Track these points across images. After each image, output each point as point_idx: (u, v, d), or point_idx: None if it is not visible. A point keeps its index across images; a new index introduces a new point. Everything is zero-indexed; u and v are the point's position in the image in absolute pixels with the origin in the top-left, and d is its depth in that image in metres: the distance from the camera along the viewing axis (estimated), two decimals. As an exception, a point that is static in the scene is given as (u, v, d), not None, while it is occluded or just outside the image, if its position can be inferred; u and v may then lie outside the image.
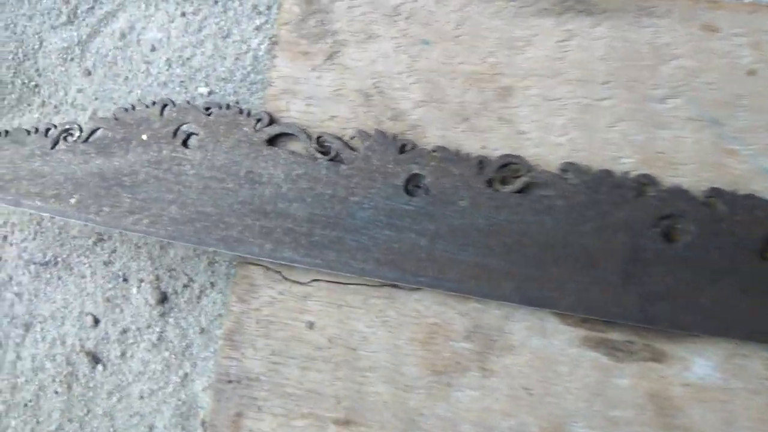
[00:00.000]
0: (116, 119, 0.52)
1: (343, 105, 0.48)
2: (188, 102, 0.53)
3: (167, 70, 0.63)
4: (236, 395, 0.49)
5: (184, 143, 0.49)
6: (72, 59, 0.66)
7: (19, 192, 0.53)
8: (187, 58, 0.62)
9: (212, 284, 0.59)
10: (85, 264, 0.62)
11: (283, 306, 0.48)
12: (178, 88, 0.61)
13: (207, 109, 0.50)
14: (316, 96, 0.49)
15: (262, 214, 0.46)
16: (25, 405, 0.62)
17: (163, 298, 0.59)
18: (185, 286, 0.59)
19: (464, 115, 0.46)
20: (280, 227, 0.46)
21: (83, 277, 0.62)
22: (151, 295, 0.60)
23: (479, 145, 0.46)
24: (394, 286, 0.46)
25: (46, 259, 0.63)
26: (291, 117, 0.49)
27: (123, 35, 0.65)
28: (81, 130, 0.54)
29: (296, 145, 0.47)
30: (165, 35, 0.64)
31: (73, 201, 0.52)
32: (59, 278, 0.63)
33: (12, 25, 0.68)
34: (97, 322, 0.61)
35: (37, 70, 0.67)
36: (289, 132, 0.47)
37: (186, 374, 0.59)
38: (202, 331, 0.58)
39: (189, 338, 0.59)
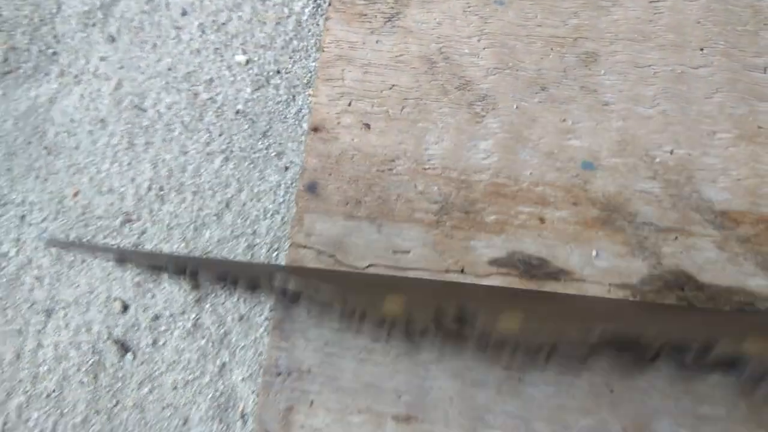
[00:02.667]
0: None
1: (404, 73, 0.44)
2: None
3: (200, 36, 0.57)
4: (286, 388, 0.45)
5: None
6: (94, 24, 0.61)
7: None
8: (222, 23, 0.57)
9: (252, 268, 0.55)
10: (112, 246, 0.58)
11: (337, 292, 0.44)
12: (212, 56, 0.57)
13: None
14: (374, 63, 0.44)
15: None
16: (48, 396, 0.58)
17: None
18: (223, 270, 0.55)
19: (542, 84, 0.42)
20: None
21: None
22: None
23: (558, 118, 0.42)
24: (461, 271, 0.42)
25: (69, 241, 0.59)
26: (346, 86, 0.44)
27: (151, -2, 0.60)
28: None
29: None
30: (197, -2, 0.59)
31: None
32: (83, 261, 0.58)
33: (28, -13, 0.63)
34: (125, 308, 0.57)
35: (55, 36, 0.62)
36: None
37: (224, 364, 0.54)
38: (242, 318, 0.54)
39: (227, 325, 0.55)
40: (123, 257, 0.52)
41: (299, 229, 0.45)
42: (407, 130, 0.44)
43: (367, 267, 0.44)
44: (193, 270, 0.47)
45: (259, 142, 0.55)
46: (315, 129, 0.45)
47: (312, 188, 0.45)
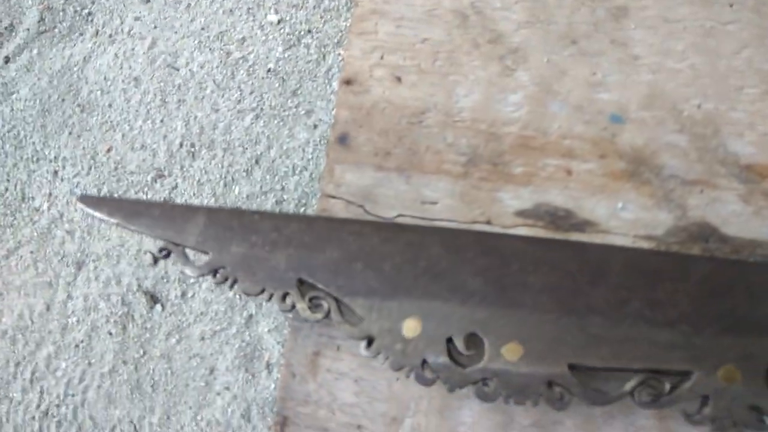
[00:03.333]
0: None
1: (437, 27, 0.45)
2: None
3: (233, -5, 0.59)
4: (314, 333, 0.46)
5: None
6: (129, -15, 0.63)
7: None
8: (255, -16, 0.59)
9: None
10: (144, 199, 0.59)
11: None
12: (244, 16, 0.58)
13: None
14: (407, 17, 0.45)
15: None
16: (77, 346, 0.60)
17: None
18: (252, 223, 0.56)
19: (572, 38, 0.43)
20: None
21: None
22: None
23: (588, 71, 0.43)
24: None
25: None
26: (379, 40, 0.45)
27: (185, -42, 0.62)
28: None
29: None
30: (231, -43, 0.60)
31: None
32: (115, 215, 0.60)
33: (66, -53, 0.64)
34: (156, 260, 0.59)
35: (91, -3, 0.64)
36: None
37: (251, 315, 0.56)
38: (269, 271, 0.56)
39: (254, 278, 0.56)
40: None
41: (329, 179, 0.46)
42: (438, 83, 0.45)
43: (396, 217, 0.45)
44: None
45: (289, 101, 0.56)
46: (347, 82, 0.46)
47: (343, 140, 0.46)
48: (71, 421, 0.59)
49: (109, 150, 0.62)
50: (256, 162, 0.56)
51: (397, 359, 0.40)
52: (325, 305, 0.41)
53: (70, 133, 0.64)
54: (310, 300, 0.42)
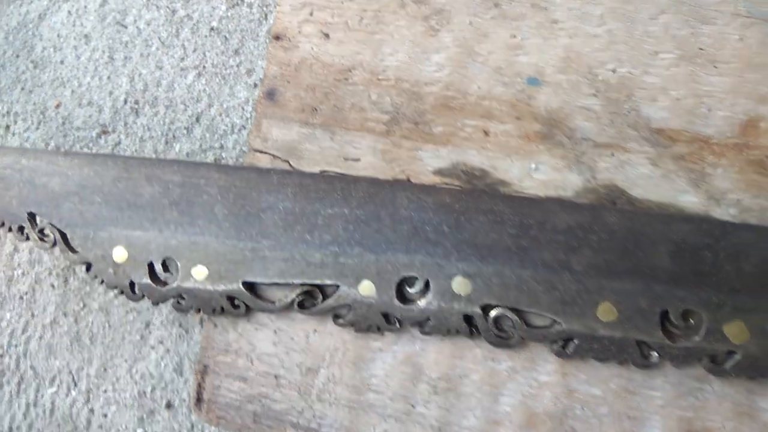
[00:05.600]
0: None
1: (364, -14, 0.46)
2: None
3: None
4: (236, 285, 0.47)
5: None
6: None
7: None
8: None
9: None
10: (87, 154, 0.60)
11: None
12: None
13: None
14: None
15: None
16: (21, 298, 0.61)
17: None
18: (189, 180, 0.57)
19: (495, 1, 0.43)
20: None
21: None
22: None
23: (509, 34, 0.43)
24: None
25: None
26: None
27: None
28: None
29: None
30: None
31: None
32: (60, 169, 0.61)
33: None
34: None
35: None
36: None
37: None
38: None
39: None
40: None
41: (257, 134, 0.47)
42: (365, 41, 0.45)
43: (321, 173, 0.46)
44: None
45: (231, 59, 0.57)
46: (277, 37, 0.47)
47: (271, 95, 0.47)
48: (14, 371, 0.60)
49: (57, 106, 0.62)
50: (197, 120, 0.57)
51: (110, 281, 0.47)
52: (52, 236, 0.48)
53: (22, 89, 0.64)
54: (40, 231, 0.48)
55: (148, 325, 0.58)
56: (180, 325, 0.57)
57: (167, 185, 0.46)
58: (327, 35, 0.46)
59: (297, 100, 0.46)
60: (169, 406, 0.57)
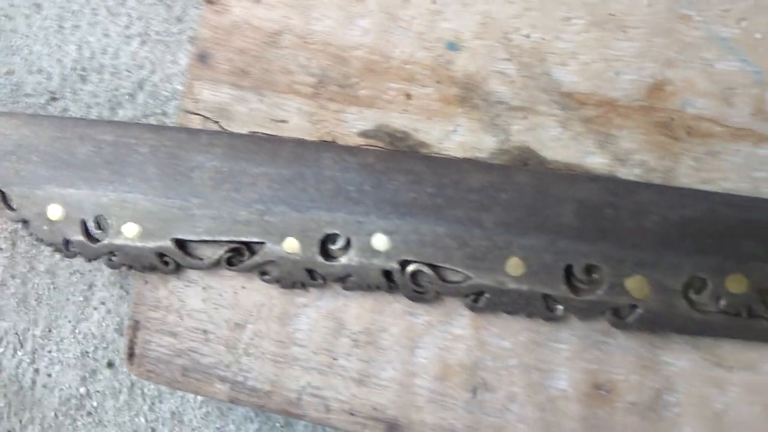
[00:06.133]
0: None
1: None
2: None
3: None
4: (168, 242, 0.48)
5: None
6: None
7: None
8: None
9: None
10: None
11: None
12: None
13: None
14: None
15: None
16: (-31, 260, 0.62)
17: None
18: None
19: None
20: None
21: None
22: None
23: (430, 0, 0.45)
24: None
25: None
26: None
27: None
28: None
29: None
30: None
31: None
32: (8, 135, 0.62)
33: None
34: (42, 178, 0.60)
35: None
36: None
37: (127, 234, 0.58)
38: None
39: (133, 198, 0.58)
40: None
41: (189, 96, 0.48)
42: (294, 5, 0.47)
43: (251, 134, 0.47)
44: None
45: (173, 27, 0.58)
46: (210, 1, 0.48)
47: (203, 58, 0.48)
48: (-37, 333, 0.61)
49: (8, 73, 0.63)
50: (140, 86, 0.58)
51: (46, 238, 0.48)
52: None
53: (-25, 57, 0.65)
54: None
55: (91, 286, 0.59)
56: (121, 287, 0.58)
57: (100, 145, 0.47)
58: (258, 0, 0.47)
59: (228, 62, 0.48)
60: (110, 365, 0.58)
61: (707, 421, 0.42)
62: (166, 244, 0.47)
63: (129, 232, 0.47)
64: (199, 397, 0.55)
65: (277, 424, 0.54)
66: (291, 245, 0.45)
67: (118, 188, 0.47)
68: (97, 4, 0.61)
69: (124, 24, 0.59)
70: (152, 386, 0.57)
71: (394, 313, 0.45)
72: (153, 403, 0.57)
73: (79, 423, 0.58)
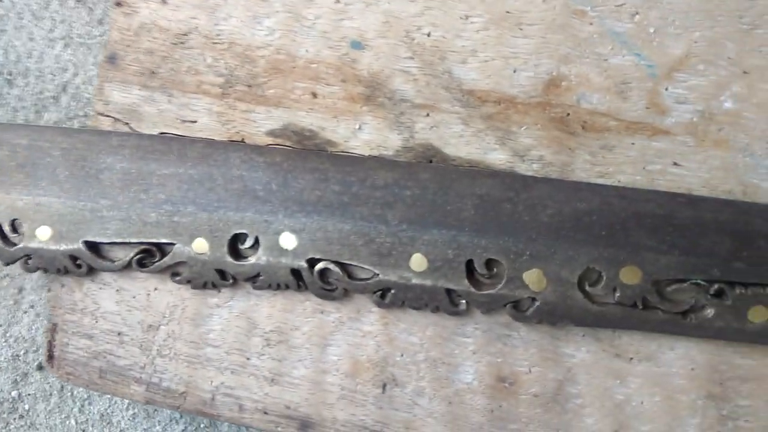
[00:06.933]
0: None
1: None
2: None
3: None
4: (82, 245, 0.48)
5: None
6: None
7: None
8: None
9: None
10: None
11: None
12: (58, -54, 0.59)
13: None
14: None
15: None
16: None
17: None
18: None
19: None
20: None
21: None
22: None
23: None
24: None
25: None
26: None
27: None
28: None
29: None
30: None
31: None
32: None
33: None
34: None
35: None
36: None
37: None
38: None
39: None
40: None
41: (100, 98, 0.48)
42: (200, 5, 0.47)
43: (160, 135, 0.47)
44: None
45: (95, 29, 0.58)
46: (118, 3, 0.48)
47: (112, 59, 0.48)
48: None
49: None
50: (64, 89, 0.58)
51: None
52: None
53: None
54: None
55: (21, 290, 0.59)
56: (49, 290, 0.58)
57: (15, 149, 0.47)
58: (164, 1, 0.47)
59: (137, 64, 0.48)
60: (40, 368, 0.58)
61: (609, 412, 0.42)
62: (78, 246, 0.47)
63: (42, 236, 0.47)
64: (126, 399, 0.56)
65: (202, 425, 0.54)
66: (200, 246, 0.45)
67: (32, 191, 0.47)
68: (22, 8, 0.60)
69: (48, 28, 0.59)
70: (82, 389, 0.58)
71: (305, 312, 0.46)
72: (83, 405, 0.57)
73: (11, 426, 0.58)
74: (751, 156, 0.41)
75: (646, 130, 0.42)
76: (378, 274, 0.43)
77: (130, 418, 0.56)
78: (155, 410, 0.55)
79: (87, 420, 0.57)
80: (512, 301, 0.42)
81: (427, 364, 0.44)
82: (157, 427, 0.55)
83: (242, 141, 0.46)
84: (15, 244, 0.48)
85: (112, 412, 0.56)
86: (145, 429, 0.55)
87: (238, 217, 0.45)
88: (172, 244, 0.46)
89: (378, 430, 0.44)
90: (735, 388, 0.41)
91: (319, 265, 0.44)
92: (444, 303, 0.43)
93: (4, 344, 0.59)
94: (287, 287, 0.45)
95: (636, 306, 0.41)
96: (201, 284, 0.46)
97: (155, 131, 0.47)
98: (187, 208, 0.45)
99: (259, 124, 0.46)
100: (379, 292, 0.44)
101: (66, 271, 0.47)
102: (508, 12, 0.43)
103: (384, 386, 0.45)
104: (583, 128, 0.42)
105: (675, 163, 0.42)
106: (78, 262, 0.47)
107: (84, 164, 0.46)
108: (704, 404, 0.41)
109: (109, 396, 0.57)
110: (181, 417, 0.54)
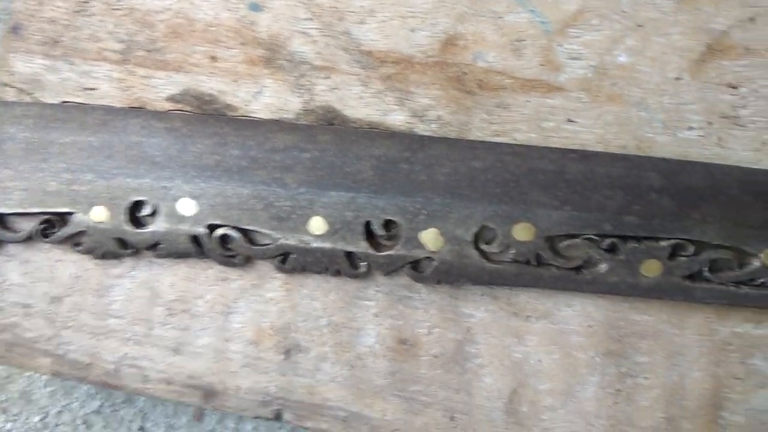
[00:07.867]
0: None
1: None
2: None
3: None
4: None
5: None
6: None
7: None
8: None
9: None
10: None
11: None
12: None
13: None
14: None
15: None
16: None
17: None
18: None
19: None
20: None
21: None
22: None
23: (231, -39, 0.44)
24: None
25: None
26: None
27: None
28: None
29: None
30: None
31: None
32: None
33: None
34: None
35: None
36: None
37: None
38: None
39: None
40: None
41: (4, 68, 0.47)
42: (99, -28, 0.46)
43: (62, 104, 0.47)
44: None
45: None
46: (19, -29, 0.47)
47: (16, 29, 0.47)
48: None
49: None
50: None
51: None
52: None
53: None
54: None
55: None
56: None
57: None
58: (65, -32, 0.47)
59: (40, 33, 0.47)
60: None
61: (507, 371, 0.42)
62: (-20, 216, 0.46)
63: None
64: (45, 376, 0.55)
65: (118, 400, 0.53)
66: (99, 214, 0.45)
67: None
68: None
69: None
70: (2, 367, 0.57)
71: (208, 280, 0.45)
72: (3, 385, 0.56)
73: (-67, 410, 0.57)
74: (646, 110, 0.41)
75: (540, 88, 0.42)
76: (278, 239, 0.43)
77: (49, 395, 0.55)
78: (73, 386, 0.54)
79: (7, 399, 0.56)
80: (411, 261, 0.42)
81: (330, 328, 0.44)
82: (75, 403, 0.54)
83: (142, 107, 0.46)
84: None
85: (32, 390, 0.56)
86: (63, 405, 0.55)
87: (137, 184, 0.44)
88: (72, 213, 0.45)
89: (281, 396, 0.44)
90: (633, 345, 0.41)
91: (219, 231, 0.44)
92: (344, 266, 0.43)
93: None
94: (188, 255, 0.44)
95: (530, 263, 0.40)
96: (101, 254, 0.45)
97: (58, 100, 0.47)
98: (86, 176, 0.45)
99: (160, 89, 0.46)
100: (279, 257, 0.43)
101: None
102: None
103: (287, 352, 0.44)
104: (480, 87, 0.42)
105: (569, 120, 0.41)
106: None
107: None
108: (603, 361, 0.41)
109: (28, 374, 0.56)
110: (97, 393, 0.54)
